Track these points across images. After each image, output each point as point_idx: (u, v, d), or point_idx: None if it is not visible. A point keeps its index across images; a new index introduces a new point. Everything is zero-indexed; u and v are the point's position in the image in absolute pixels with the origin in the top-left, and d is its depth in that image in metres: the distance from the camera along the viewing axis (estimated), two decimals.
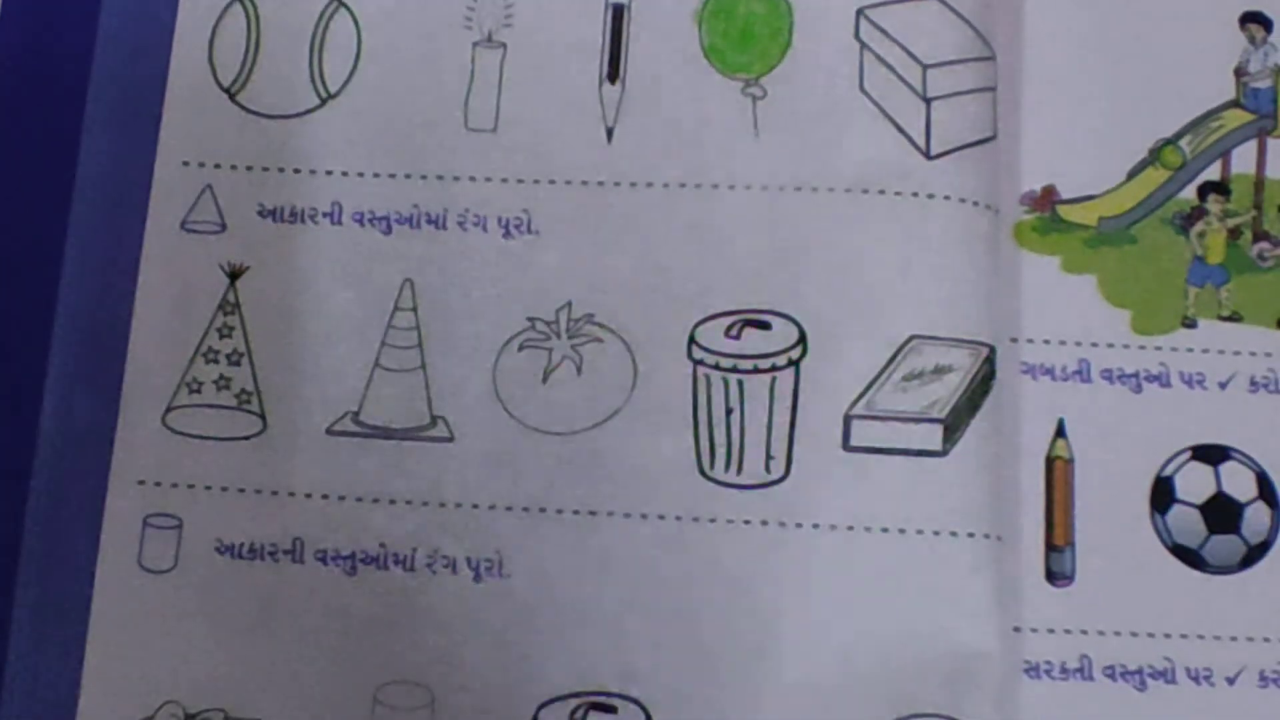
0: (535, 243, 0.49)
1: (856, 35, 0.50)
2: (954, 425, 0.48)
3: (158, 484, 0.48)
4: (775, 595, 0.48)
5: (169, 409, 0.49)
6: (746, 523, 0.48)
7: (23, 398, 0.49)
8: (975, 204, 0.49)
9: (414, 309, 0.49)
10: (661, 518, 0.48)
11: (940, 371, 0.48)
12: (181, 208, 0.50)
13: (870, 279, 0.48)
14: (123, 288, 0.50)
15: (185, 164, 0.50)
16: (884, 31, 0.50)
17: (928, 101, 0.50)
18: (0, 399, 0.49)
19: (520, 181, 0.50)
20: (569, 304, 0.49)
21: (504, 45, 0.51)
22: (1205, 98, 0.51)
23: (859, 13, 0.50)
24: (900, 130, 0.50)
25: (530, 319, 0.49)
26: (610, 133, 0.50)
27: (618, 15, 0.51)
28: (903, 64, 0.50)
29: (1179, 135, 0.50)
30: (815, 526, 0.47)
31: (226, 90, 0.51)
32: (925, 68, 0.50)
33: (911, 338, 0.48)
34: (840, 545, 0.47)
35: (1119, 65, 0.51)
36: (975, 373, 0.48)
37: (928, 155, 0.50)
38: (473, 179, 0.50)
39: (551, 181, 0.50)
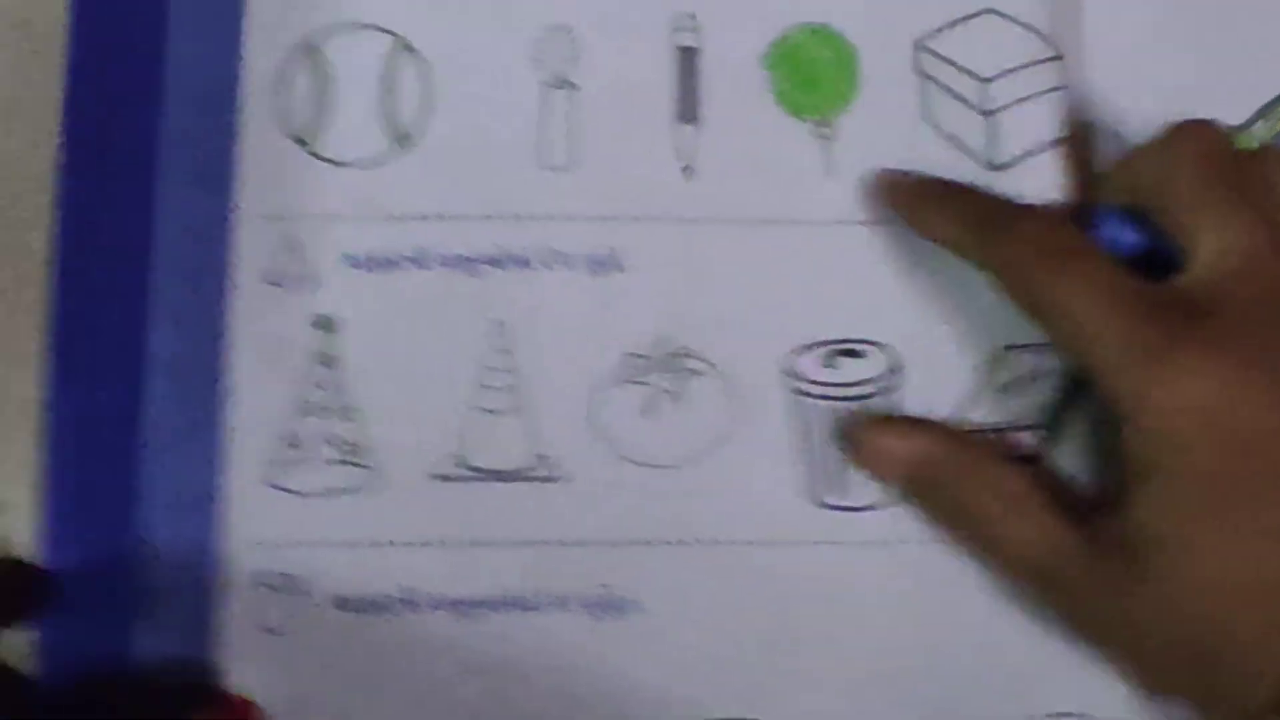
0: (623, 279, 0.50)
1: (917, 67, 0.52)
2: (1055, 429, 0.49)
3: (269, 543, 0.49)
4: (893, 613, 0.49)
5: (274, 467, 0.49)
6: (858, 544, 0.49)
7: (120, 466, 0.48)
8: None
9: (508, 350, 0.50)
10: (773, 544, 0.49)
11: (1036, 377, 0.50)
12: (266, 262, 0.50)
13: (956, 297, 0.50)
14: (214, 347, 0.50)
15: (266, 218, 0.50)
16: (941, 57, 0.52)
17: (988, 114, 0.51)
18: (100, 468, 0.49)
19: (602, 219, 0.51)
20: (663, 338, 0.50)
21: (574, 85, 0.51)
22: (1275, 83, 0.53)
23: (916, 46, 0.52)
24: (964, 149, 0.51)
25: (626, 355, 0.50)
26: (688, 171, 0.51)
27: (686, 57, 0.51)
28: (962, 84, 0.52)
29: (1250, 122, 0.52)
30: (923, 543, 0.49)
31: (300, 140, 0.51)
32: (985, 81, 0.51)
33: (1005, 348, 0.50)
34: (949, 561, 0.49)
35: (1184, 54, 0.53)
36: (1071, 375, 0.50)
37: (994, 167, 0.51)
38: (553, 218, 0.51)
39: (634, 219, 0.50)
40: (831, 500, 0.50)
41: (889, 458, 0.48)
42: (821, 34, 0.52)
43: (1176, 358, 0.42)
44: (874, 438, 0.48)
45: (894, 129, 0.52)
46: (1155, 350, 0.42)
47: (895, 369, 0.50)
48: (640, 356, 0.50)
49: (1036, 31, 0.52)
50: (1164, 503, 0.42)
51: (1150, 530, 0.42)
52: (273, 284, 0.50)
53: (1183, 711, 0.44)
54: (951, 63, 0.52)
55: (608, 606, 0.49)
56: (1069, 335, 0.44)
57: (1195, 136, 0.45)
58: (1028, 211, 0.48)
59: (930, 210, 0.48)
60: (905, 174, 0.50)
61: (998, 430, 0.50)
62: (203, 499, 0.49)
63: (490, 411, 0.50)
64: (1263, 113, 0.52)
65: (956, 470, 0.47)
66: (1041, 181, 0.51)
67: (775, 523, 0.50)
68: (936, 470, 0.47)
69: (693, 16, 0.52)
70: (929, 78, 0.52)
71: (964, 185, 0.49)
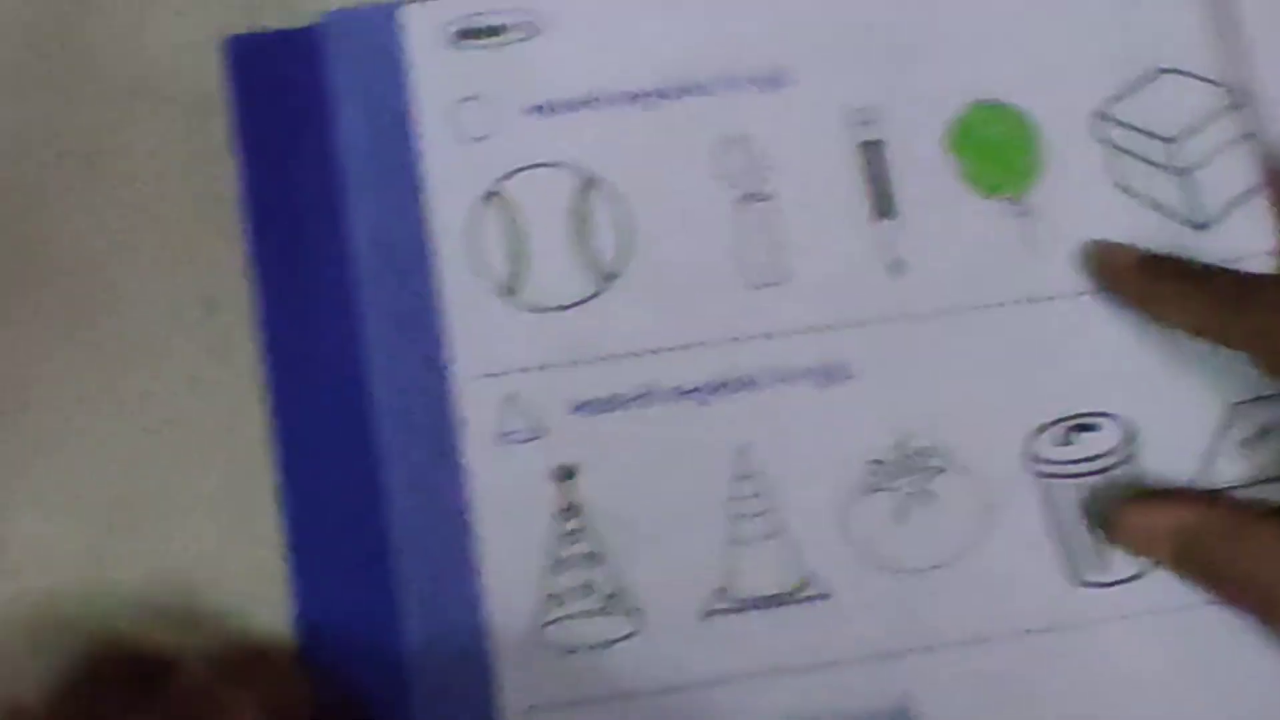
0: (853, 386, 0.50)
1: (1100, 137, 0.52)
2: None
3: (551, 705, 0.48)
4: (1175, 681, 0.49)
5: (541, 627, 0.48)
6: (1128, 617, 0.49)
7: (387, 657, 0.47)
8: (1265, 255, 0.51)
9: (752, 476, 0.49)
10: (1043, 631, 0.49)
11: (1271, 429, 0.50)
12: (493, 421, 0.50)
13: (1181, 357, 0.50)
14: (455, 513, 0.49)
15: (484, 376, 0.49)
16: (1123, 123, 0.52)
17: (1181, 174, 0.52)
18: (365, 663, 0.47)
19: (820, 329, 0.50)
20: (903, 440, 0.50)
21: (768, 197, 0.51)
22: None
23: (1096, 114, 0.52)
24: (1164, 211, 0.51)
25: (870, 462, 0.50)
26: (894, 266, 0.51)
27: (872, 151, 0.51)
28: (1149, 147, 0.52)
29: None
30: (1196, 606, 0.49)
31: (504, 292, 0.50)
32: (1171, 142, 0.52)
33: (1237, 404, 0.50)
34: (1225, 620, 0.49)
35: None
36: None
37: (1197, 226, 0.51)
38: (774, 335, 0.50)
39: (852, 324, 0.50)
40: (1093, 577, 0.50)
41: (1152, 534, 0.48)
42: (997, 110, 0.53)
43: None
44: (1133, 516, 0.48)
45: (1088, 199, 0.52)
46: None
47: (1131, 437, 0.50)
48: (882, 462, 0.50)
49: (1213, 82, 0.52)
50: None
51: None
52: (505, 442, 0.49)
53: None
54: (1134, 128, 0.52)
55: (902, 718, 0.48)
56: None
57: None
58: (1268, 279, 0.48)
59: (1162, 298, 0.49)
60: (1122, 251, 0.50)
61: (1244, 487, 0.50)
62: (476, 670, 0.48)
63: (748, 541, 0.49)
64: None
65: (1225, 535, 0.47)
66: (1250, 233, 0.51)
67: (1041, 609, 0.50)
68: (1204, 539, 0.47)
69: (870, 110, 0.52)
70: (1113, 145, 0.52)
71: (1187, 262, 0.49)
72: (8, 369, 0.50)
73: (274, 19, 0.53)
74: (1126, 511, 0.48)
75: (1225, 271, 0.49)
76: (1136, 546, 0.48)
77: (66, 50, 0.52)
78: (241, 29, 0.52)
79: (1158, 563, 0.49)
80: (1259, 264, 0.52)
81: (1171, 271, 0.49)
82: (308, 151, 0.51)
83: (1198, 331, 0.47)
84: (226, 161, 0.52)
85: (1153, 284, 0.49)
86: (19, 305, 0.50)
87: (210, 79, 0.52)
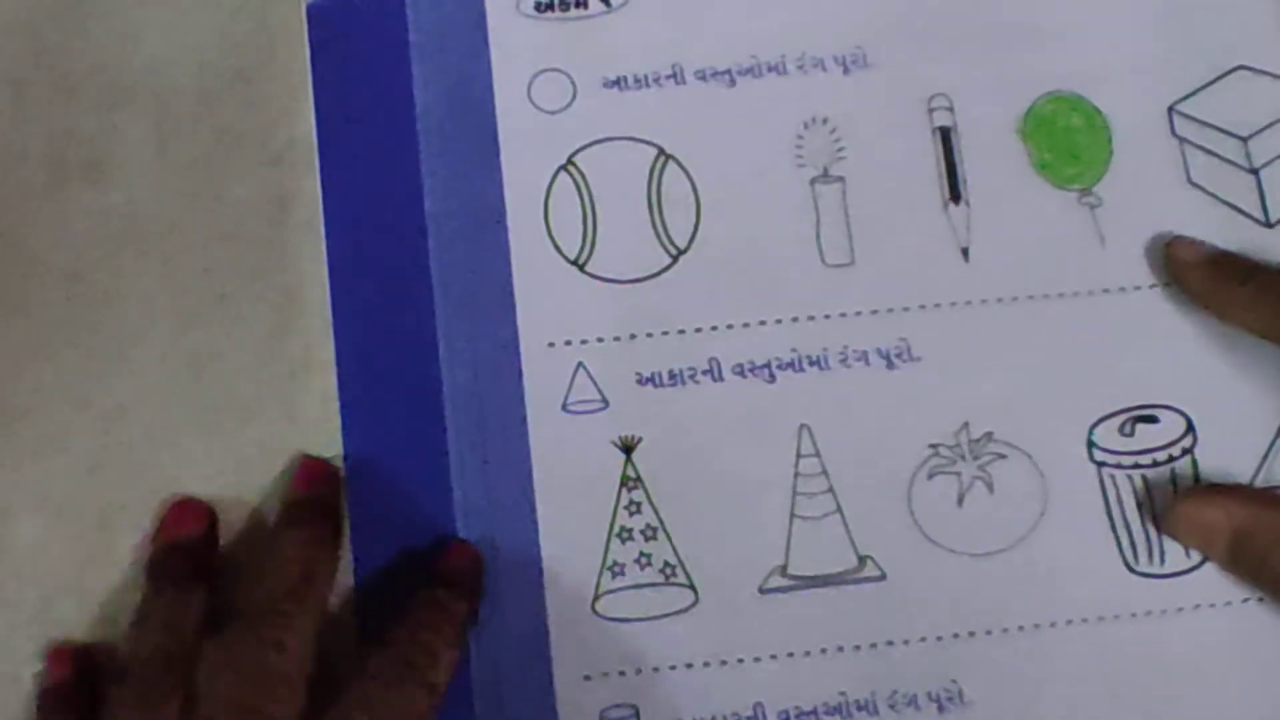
0: (919, 368, 0.51)
1: (1173, 132, 0.52)
2: None
3: (604, 675, 0.48)
4: (1227, 675, 0.49)
5: (597, 597, 0.49)
6: (1183, 610, 0.49)
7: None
8: None
9: (817, 454, 0.50)
10: (1101, 619, 0.49)
11: None
12: (559, 390, 0.50)
13: (1244, 352, 0.50)
14: (519, 482, 0.49)
15: (551, 345, 0.50)
16: (1197, 120, 0.52)
17: (1255, 172, 0.52)
18: None
19: (890, 311, 0.51)
20: (966, 425, 0.50)
21: (842, 179, 0.51)
22: None
23: (1170, 110, 0.52)
24: (1236, 209, 0.52)
25: (932, 445, 0.50)
26: (966, 252, 0.51)
27: (945, 137, 0.52)
28: (1223, 144, 0.52)
29: None
30: (1245, 602, 0.49)
31: (575, 263, 0.51)
32: (1245, 140, 0.52)
33: None
34: (1277, 616, 0.49)
35: None
36: None
37: (1269, 224, 0.51)
38: (843, 315, 0.51)
39: (921, 307, 0.51)
40: (1148, 568, 0.50)
41: (1207, 529, 0.48)
42: (1070, 102, 0.53)
43: None
44: (1189, 509, 0.49)
45: (1158, 193, 0.52)
46: None
47: (1191, 431, 0.50)
48: (947, 446, 0.50)
49: None
50: None
51: None
52: (570, 412, 0.50)
53: None
54: (1209, 124, 0.52)
55: (953, 699, 0.49)
56: None
57: None
58: None
59: (1229, 297, 0.50)
60: (1192, 247, 0.50)
61: None
62: (531, 638, 0.49)
63: (809, 518, 0.49)
64: None
65: (1278, 536, 0.47)
66: None
67: (1095, 598, 0.50)
68: (1257, 538, 0.47)
69: (945, 95, 0.52)
70: (1187, 141, 0.52)
71: (1256, 263, 0.50)
72: (6, 372, 0.50)
73: (274, 19, 0.53)
74: (1182, 504, 0.49)
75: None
76: (1190, 539, 0.49)
77: (64, 52, 0.53)
78: (243, 29, 0.52)
79: (1210, 557, 0.48)
80: None
81: (1240, 271, 0.49)
82: (386, 118, 0.52)
83: (1263, 333, 0.47)
84: (225, 162, 0.52)
85: (1221, 283, 0.49)
86: (17, 309, 0.51)
87: (209, 79, 0.53)
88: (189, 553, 0.48)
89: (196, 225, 0.51)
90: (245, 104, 0.52)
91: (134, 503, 0.49)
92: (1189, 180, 0.52)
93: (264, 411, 0.50)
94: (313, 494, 0.49)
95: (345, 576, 0.50)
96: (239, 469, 0.50)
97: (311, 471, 0.49)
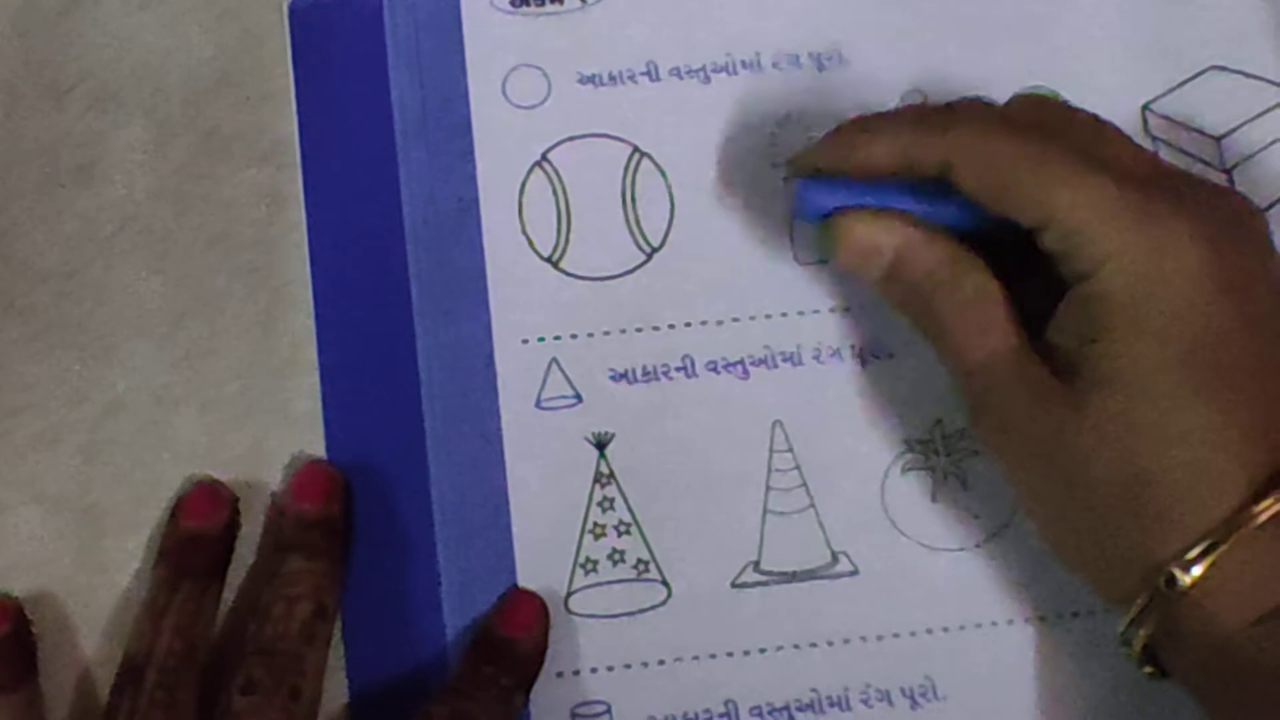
0: (892, 365, 0.51)
1: (1146, 131, 0.53)
2: None
3: (576, 672, 0.49)
4: None
5: (569, 593, 0.49)
6: None
7: (422, 609, 0.49)
8: None
9: (790, 450, 0.50)
10: (1075, 614, 0.50)
11: None
12: (532, 386, 0.51)
13: None
14: (493, 477, 0.50)
15: (525, 341, 0.50)
16: (1170, 119, 0.53)
17: (1228, 171, 0.53)
18: (403, 616, 0.49)
19: (862, 307, 0.52)
20: (939, 421, 0.51)
21: None
22: None
23: (1144, 109, 0.53)
24: None
25: (906, 441, 0.50)
26: None
27: None
28: (1196, 144, 0.53)
29: None
30: None
31: (548, 259, 0.51)
32: (1218, 139, 0.53)
33: None
34: None
35: None
36: None
37: None
38: (816, 311, 0.52)
39: None
40: None
41: (871, 250, 0.47)
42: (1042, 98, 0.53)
43: (1166, 220, 0.43)
44: (860, 229, 0.47)
45: None
46: (1143, 209, 0.43)
47: None
48: (920, 442, 0.51)
49: (1262, 79, 0.53)
50: (1137, 350, 0.43)
51: (1118, 369, 0.43)
52: (543, 408, 0.50)
53: (1082, 577, 0.46)
54: (1182, 124, 0.53)
55: (926, 694, 0.49)
56: (1040, 199, 0.44)
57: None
58: (957, 103, 0.49)
59: (860, 142, 0.48)
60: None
61: None
62: None
63: (782, 513, 0.50)
64: None
65: (932, 264, 0.47)
66: None
67: (1065, 596, 0.50)
68: (916, 265, 0.47)
69: (919, 92, 0.53)
70: (1160, 140, 0.53)
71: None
72: (4, 370, 0.51)
73: (260, 23, 0.54)
74: (850, 219, 0.47)
75: (913, 105, 0.51)
76: (850, 259, 0.47)
77: (55, 57, 0.53)
78: (230, 33, 0.53)
79: (865, 278, 0.48)
80: None
81: (863, 121, 0.49)
82: (365, 116, 0.53)
83: (899, 163, 0.47)
84: (214, 163, 0.53)
85: (850, 136, 0.48)
86: (10, 308, 0.51)
87: (197, 82, 0.53)
88: (210, 545, 0.49)
89: (187, 226, 0.52)
90: (234, 106, 0.53)
91: (127, 499, 0.50)
92: None
93: (256, 409, 0.51)
94: (324, 514, 0.49)
95: None
96: (232, 466, 0.50)
97: (323, 485, 0.49)
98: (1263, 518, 0.42)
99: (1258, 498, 0.42)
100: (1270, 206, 0.53)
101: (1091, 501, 0.43)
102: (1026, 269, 0.45)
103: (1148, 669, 0.45)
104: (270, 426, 0.51)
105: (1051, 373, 0.44)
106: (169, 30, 0.53)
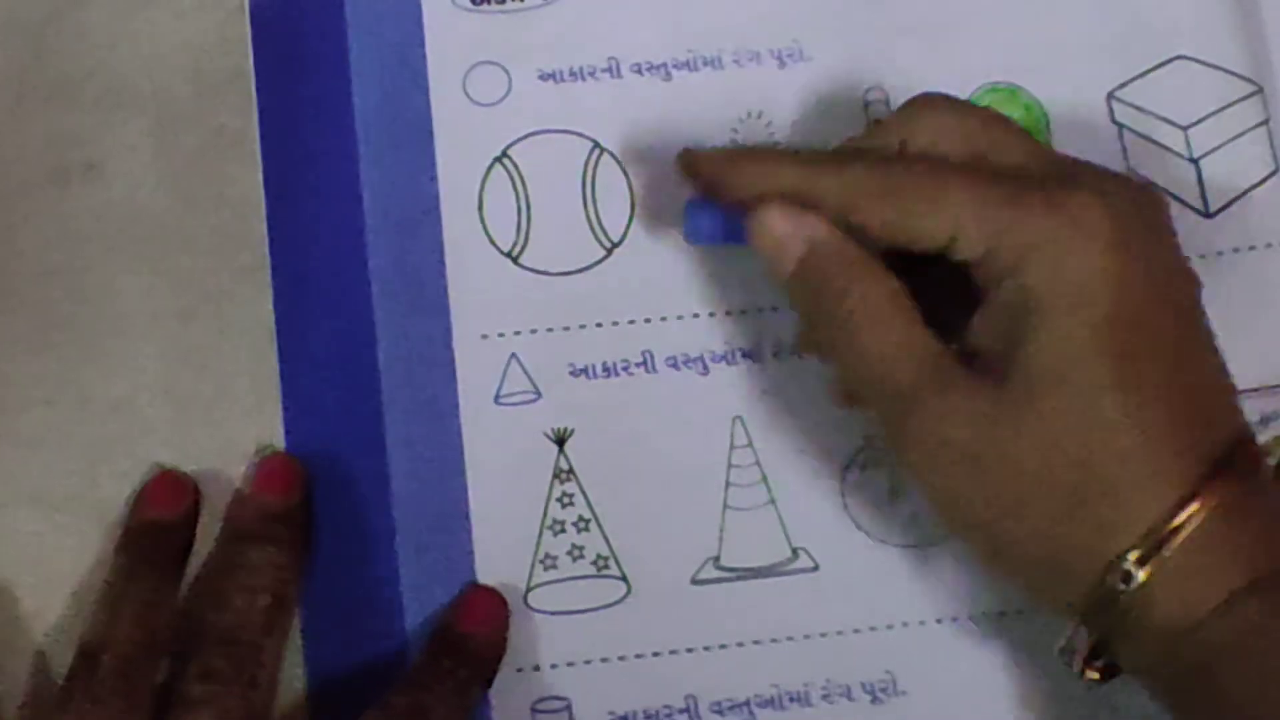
0: None
1: (1112, 118, 0.53)
2: None
3: (536, 668, 0.49)
4: None
5: (529, 589, 0.49)
6: None
7: (381, 603, 0.49)
8: (1269, 245, 0.51)
9: (750, 445, 0.50)
10: (1027, 614, 0.50)
11: (1265, 421, 0.51)
12: (492, 381, 0.51)
13: None
14: (452, 473, 0.50)
15: (484, 337, 0.51)
16: (1136, 107, 0.53)
17: (1195, 161, 0.52)
18: (362, 610, 0.49)
19: None
20: None
21: None
22: None
23: (1109, 96, 0.53)
24: (1176, 197, 0.52)
25: (866, 436, 0.51)
26: None
27: None
28: (1163, 132, 0.53)
29: None
30: None
31: (508, 255, 0.51)
32: (1185, 129, 0.53)
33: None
34: None
35: None
36: None
37: (1208, 214, 0.52)
38: (775, 309, 0.52)
39: None
40: None
41: (783, 243, 0.46)
42: (1007, 93, 0.53)
43: (1073, 213, 0.43)
44: (774, 221, 0.46)
45: None
46: (1049, 204, 0.43)
47: None
48: (881, 438, 0.51)
49: (1228, 71, 0.53)
50: (1066, 341, 0.43)
51: (1048, 364, 0.42)
52: (502, 404, 0.50)
53: (1018, 584, 0.46)
54: (1148, 111, 0.53)
55: (887, 689, 0.49)
56: (945, 226, 0.44)
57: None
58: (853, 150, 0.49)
59: (751, 171, 0.47)
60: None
61: None
62: None
63: (742, 509, 0.50)
64: None
65: (845, 266, 0.45)
66: (1260, 222, 0.52)
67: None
68: (829, 260, 0.45)
69: (881, 88, 0.53)
70: (1126, 127, 0.53)
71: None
72: (4, 367, 0.51)
73: None
74: (765, 211, 0.46)
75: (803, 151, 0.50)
76: (763, 249, 0.47)
77: (62, 52, 0.53)
78: (237, 29, 0.53)
79: (776, 273, 0.47)
80: (1270, 253, 0.52)
81: (758, 152, 0.50)
82: (326, 112, 0.53)
83: (790, 189, 0.46)
84: (221, 160, 0.53)
85: (743, 162, 0.48)
86: (16, 305, 0.52)
87: (205, 79, 0.53)
88: (169, 534, 0.49)
89: (194, 223, 0.52)
90: (242, 103, 0.53)
91: (131, 498, 0.50)
92: (1128, 167, 0.53)
93: (261, 407, 0.51)
94: (285, 503, 0.49)
95: None
96: (237, 464, 0.51)
97: (285, 477, 0.50)
98: (1212, 502, 0.42)
99: (1204, 482, 0.42)
100: (1238, 198, 0.52)
101: (1030, 504, 0.43)
102: (929, 283, 0.45)
103: (1092, 675, 0.44)
104: (278, 425, 0.51)
105: (978, 384, 0.43)
106: (177, 25, 0.53)
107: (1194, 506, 0.42)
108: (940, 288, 0.45)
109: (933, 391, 0.43)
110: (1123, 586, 0.42)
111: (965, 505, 0.44)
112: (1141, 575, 0.42)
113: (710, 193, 0.48)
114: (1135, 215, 0.44)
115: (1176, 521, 0.42)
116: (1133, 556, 0.42)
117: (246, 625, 0.47)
